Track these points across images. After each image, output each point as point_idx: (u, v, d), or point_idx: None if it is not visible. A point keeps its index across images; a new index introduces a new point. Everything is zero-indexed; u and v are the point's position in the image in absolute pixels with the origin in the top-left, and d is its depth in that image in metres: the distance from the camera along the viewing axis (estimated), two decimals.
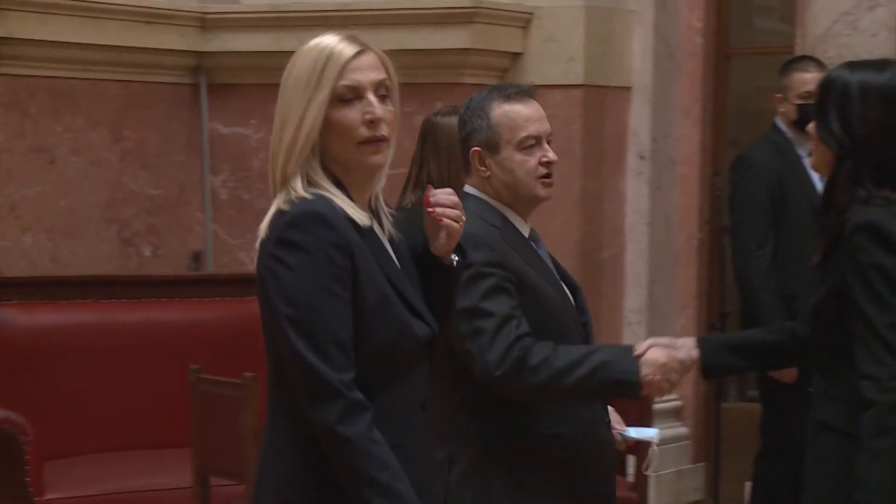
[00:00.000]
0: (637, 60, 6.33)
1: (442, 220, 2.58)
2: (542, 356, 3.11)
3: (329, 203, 2.50)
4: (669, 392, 3.34)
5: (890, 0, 5.88)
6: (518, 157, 3.23)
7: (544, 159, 3.25)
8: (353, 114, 2.52)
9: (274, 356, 2.53)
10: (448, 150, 3.92)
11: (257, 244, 2.54)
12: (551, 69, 6.19)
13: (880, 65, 3.22)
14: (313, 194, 2.51)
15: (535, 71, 6.22)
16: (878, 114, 3.12)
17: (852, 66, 3.22)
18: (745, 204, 5.31)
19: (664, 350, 3.19)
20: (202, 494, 4.63)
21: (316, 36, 2.59)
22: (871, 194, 3.10)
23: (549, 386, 3.12)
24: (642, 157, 6.34)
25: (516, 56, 6.27)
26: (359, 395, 2.44)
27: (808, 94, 5.01)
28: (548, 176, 3.26)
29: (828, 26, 6.03)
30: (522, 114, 3.24)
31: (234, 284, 5.70)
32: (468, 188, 3.29)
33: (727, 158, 6.42)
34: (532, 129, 3.24)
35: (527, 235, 3.30)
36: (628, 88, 6.34)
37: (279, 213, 2.50)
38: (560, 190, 6.27)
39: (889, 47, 5.87)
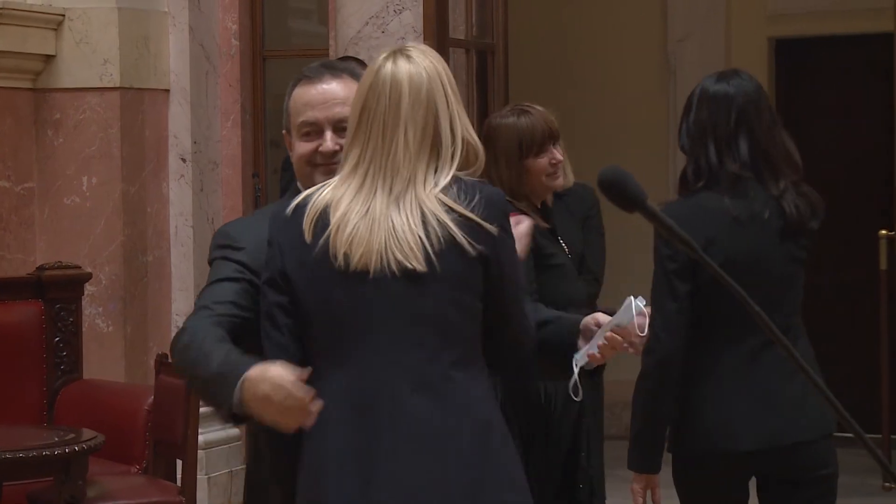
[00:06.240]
0: (174, 62, 6.32)
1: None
2: (189, 337, 2.67)
3: None
4: None
5: (414, 4, 6.14)
6: (297, 144, 2.93)
7: (321, 149, 2.88)
8: None
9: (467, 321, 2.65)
10: (506, 153, 4.12)
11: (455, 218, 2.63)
12: (86, 71, 6.09)
13: (728, 74, 3.51)
14: None
15: (70, 73, 6.11)
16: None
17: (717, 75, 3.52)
18: None
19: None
20: None
21: None
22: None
23: (185, 374, 2.73)
24: (184, 160, 6.33)
25: (49, 58, 6.13)
26: None
27: None
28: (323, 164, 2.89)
29: (359, 28, 6.23)
30: (303, 98, 2.88)
31: None
32: None
33: (271, 159, 6.50)
34: (309, 115, 2.87)
35: None
36: (166, 91, 6.32)
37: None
38: (101, 193, 6.19)
39: None
